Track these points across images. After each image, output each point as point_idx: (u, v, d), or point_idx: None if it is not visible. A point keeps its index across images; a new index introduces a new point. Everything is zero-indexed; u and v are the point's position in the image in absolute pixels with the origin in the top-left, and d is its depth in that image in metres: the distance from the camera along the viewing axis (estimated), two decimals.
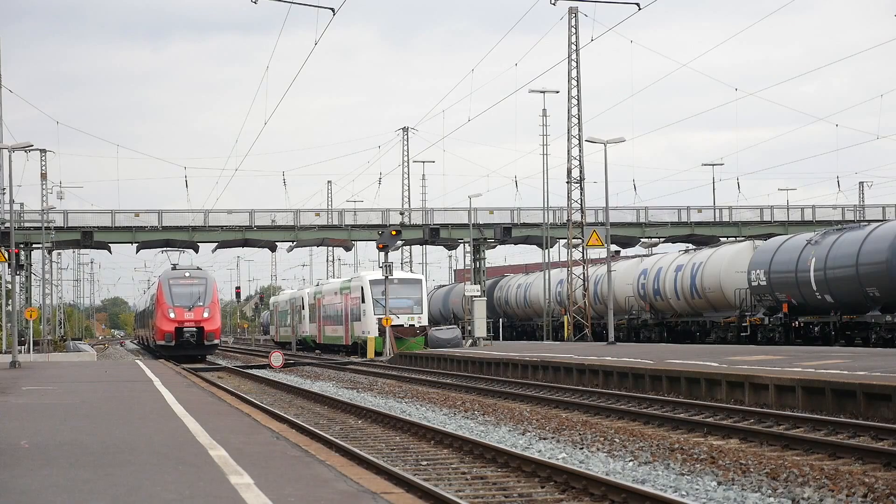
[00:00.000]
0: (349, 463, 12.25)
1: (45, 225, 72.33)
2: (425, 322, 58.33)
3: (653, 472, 14.44)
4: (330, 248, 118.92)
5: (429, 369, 43.38)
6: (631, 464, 15.19)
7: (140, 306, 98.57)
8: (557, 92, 64.31)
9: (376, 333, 57.16)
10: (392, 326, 54.88)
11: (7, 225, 56.37)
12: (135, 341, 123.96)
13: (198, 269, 61.78)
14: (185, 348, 57.42)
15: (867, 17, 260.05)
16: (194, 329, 57.31)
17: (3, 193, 60.31)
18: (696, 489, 13.16)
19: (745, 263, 48.38)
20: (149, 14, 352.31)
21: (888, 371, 22.44)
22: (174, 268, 61.77)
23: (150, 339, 67.38)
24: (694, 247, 67.00)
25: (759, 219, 79.91)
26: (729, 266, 50.37)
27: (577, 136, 59.14)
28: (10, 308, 55.46)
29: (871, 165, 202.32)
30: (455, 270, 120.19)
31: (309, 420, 22.24)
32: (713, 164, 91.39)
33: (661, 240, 78.83)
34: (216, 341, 59.39)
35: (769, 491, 12.97)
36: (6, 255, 46.74)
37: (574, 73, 58.79)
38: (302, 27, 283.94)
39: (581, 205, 59.58)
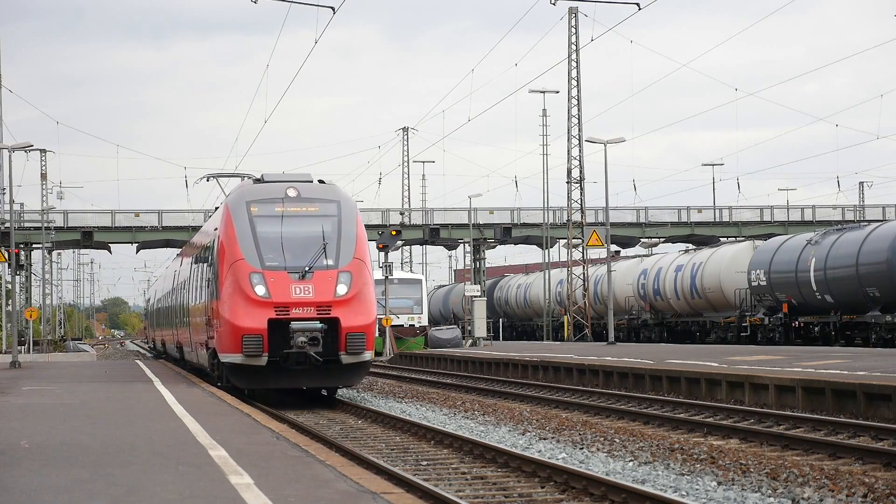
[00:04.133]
0: (349, 463, 12.25)
1: (45, 225, 72.35)
2: (425, 322, 58.33)
3: (653, 472, 14.44)
4: None
5: (429, 369, 43.38)
6: (631, 464, 15.19)
7: (162, 285, 50.70)
8: (557, 92, 64.36)
9: (376, 334, 57.10)
10: (392, 326, 54.86)
11: (7, 225, 56.38)
12: (147, 343, 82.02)
13: (317, 181, 26.48)
14: (294, 373, 24.23)
15: (869, 17, 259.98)
16: (316, 325, 23.82)
17: (3, 193, 60.32)
18: (696, 489, 13.16)
19: (745, 263, 48.38)
20: (151, 14, 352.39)
21: (888, 371, 22.44)
22: (260, 180, 26.65)
23: (197, 346, 30.31)
24: (694, 247, 67.02)
25: (759, 219, 79.94)
26: (729, 266, 50.37)
27: (577, 136, 59.15)
28: (10, 308, 55.43)
29: (871, 165, 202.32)
30: (455, 270, 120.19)
31: (309, 420, 22.24)
32: (713, 164, 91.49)
33: (661, 240, 78.86)
34: (368, 355, 24.62)
35: (769, 491, 12.97)
36: (6, 255, 46.72)
37: (574, 74, 58.79)
38: (302, 26, 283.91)
39: (581, 205, 59.58)
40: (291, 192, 25.21)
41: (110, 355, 72.59)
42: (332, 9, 30.45)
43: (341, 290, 23.91)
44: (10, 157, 52.43)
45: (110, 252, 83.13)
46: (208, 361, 27.30)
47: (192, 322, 30.94)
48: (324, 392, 26.71)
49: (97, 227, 75.26)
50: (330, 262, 24.22)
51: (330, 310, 23.72)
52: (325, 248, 24.31)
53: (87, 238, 75.53)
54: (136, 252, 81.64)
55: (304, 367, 23.64)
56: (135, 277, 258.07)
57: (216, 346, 25.22)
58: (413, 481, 12.62)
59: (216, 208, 28.82)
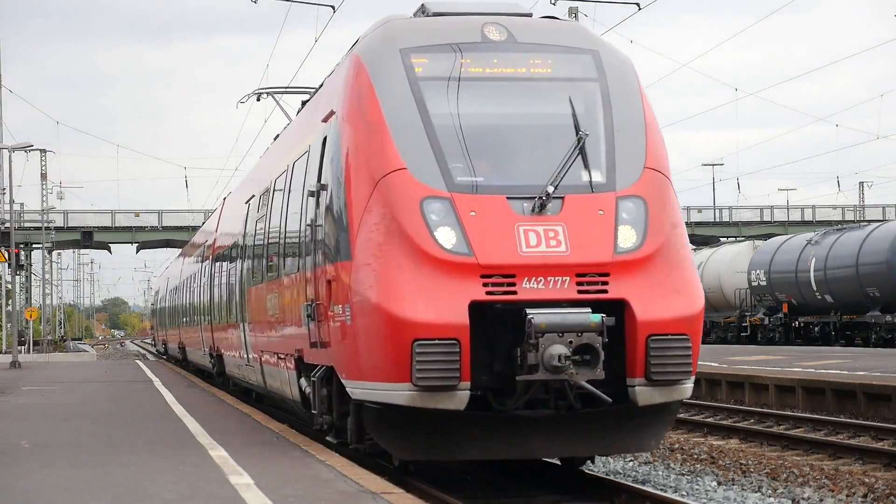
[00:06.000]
0: (349, 463, 12.23)
1: (45, 225, 72.37)
2: None
3: (653, 472, 14.44)
4: None
5: None
6: (631, 464, 15.19)
7: (179, 269, 39.03)
8: None
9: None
10: None
11: (7, 225, 56.40)
12: (155, 346, 67.90)
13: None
14: (527, 427, 10.94)
15: (869, 17, 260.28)
16: (588, 316, 10.51)
17: (3, 193, 60.29)
18: (697, 489, 13.17)
19: (745, 263, 48.42)
20: (151, 14, 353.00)
21: (888, 371, 22.45)
22: (422, 11, 12.67)
23: (266, 359, 16.67)
24: (694, 247, 67.11)
25: (759, 219, 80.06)
26: (729, 266, 50.40)
27: None
28: (10, 308, 55.44)
29: (871, 165, 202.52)
30: None
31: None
32: (713, 164, 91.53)
33: None
34: (689, 385, 11.40)
35: (769, 491, 12.98)
36: (6, 255, 46.75)
37: None
38: (302, 25, 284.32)
39: None
40: (494, 33, 12.16)
41: (110, 355, 72.57)
42: (333, 7, 30.45)
43: (628, 237, 11.13)
44: (10, 157, 52.51)
45: (110, 252, 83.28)
46: (311, 392, 13.26)
47: (255, 316, 17.70)
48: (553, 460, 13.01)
49: (97, 227, 75.34)
50: (597, 176, 11.44)
51: (606, 283, 10.96)
52: (581, 150, 11.46)
53: (87, 238, 75.63)
54: (136, 252, 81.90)
55: (547, 411, 10.96)
56: (135, 277, 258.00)
57: (337, 363, 11.91)
58: (413, 481, 12.60)
59: (350, 56, 12.68)
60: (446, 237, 10.85)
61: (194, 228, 68.47)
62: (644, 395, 10.87)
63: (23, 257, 64.74)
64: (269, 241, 16.31)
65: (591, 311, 10.60)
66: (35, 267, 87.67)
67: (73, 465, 12.10)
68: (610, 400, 10.74)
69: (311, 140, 13.51)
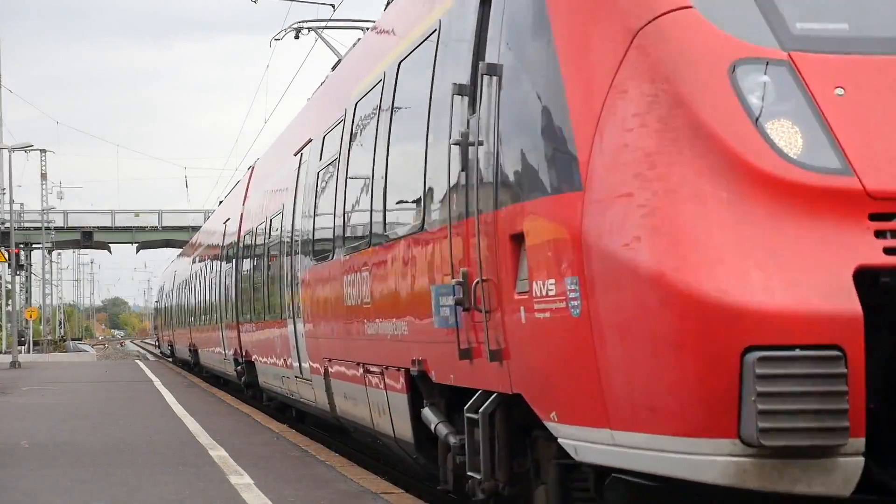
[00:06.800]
0: (349, 463, 12.23)
1: (45, 225, 72.40)
2: None
3: None
4: None
5: None
6: None
7: (188, 263, 35.94)
8: None
9: None
10: None
11: (7, 225, 56.41)
12: (161, 348, 60.48)
13: None
14: None
15: None
16: None
17: (3, 193, 60.35)
18: None
19: None
20: (152, 15, 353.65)
21: None
22: None
23: (352, 373, 11.04)
24: None
25: None
26: None
27: None
28: (10, 308, 55.49)
29: None
30: None
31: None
32: None
33: None
34: None
35: None
36: (6, 255, 46.79)
37: None
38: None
39: None
40: None
41: (110, 355, 72.60)
42: (333, 7, 30.47)
43: None
44: (10, 157, 52.59)
45: (110, 252, 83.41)
46: (463, 437, 7.42)
47: (318, 308, 12.84)
48: None
49: (97, 227, 75.40)
50: None
51: None
52: None
53: (87, 238, 75.70)
54: (136, 252, 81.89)
55: None
56: (135, 277, 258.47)
57: (532, 390, 6.33)
58: (413, 481, 12.61)
59: None
60: (789, 138, 5.37)
61: (194, 228, 63.78)
62: None
63: (23, 257, 64.81)
64: (349, 193, 11.05)
65: None
66: (35, 267, 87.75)
67: (72, 465, 12.11)
68: None
69: (441, 10, 8.21)
